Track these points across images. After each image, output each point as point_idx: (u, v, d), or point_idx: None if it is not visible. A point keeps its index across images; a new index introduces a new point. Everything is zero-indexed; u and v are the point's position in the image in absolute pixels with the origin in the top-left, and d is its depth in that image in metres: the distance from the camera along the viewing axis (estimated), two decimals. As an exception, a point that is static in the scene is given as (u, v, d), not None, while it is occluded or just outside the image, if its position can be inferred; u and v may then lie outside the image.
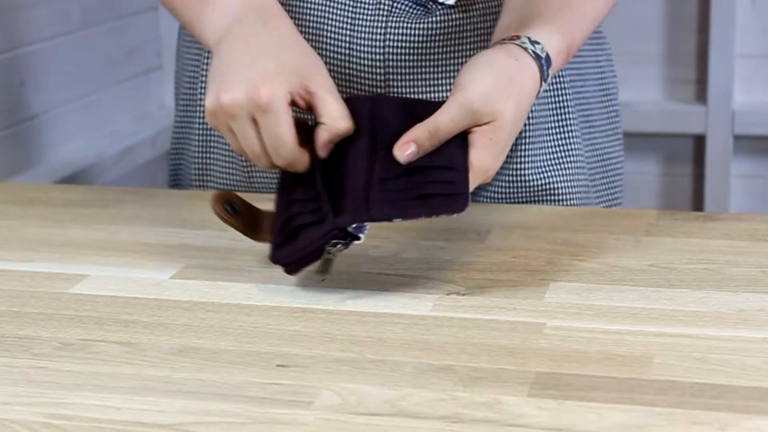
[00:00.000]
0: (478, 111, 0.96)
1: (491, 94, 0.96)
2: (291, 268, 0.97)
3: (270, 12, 1.02)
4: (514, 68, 0.99)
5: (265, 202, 1.20)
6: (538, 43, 1.01)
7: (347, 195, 0.95)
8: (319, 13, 1.18)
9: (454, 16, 1.17)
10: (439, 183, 0.95)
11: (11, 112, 1.77)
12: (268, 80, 0.94)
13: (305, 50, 1.00)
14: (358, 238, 0.94)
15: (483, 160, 0.96)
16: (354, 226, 0.94)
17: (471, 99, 0.96)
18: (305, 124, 0.99)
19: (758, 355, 0.85)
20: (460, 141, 0.96)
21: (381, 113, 0.99)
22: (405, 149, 0.96)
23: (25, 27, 1.80)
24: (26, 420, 0.78)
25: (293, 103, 0.96)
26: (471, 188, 0.95)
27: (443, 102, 0.98)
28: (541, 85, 1.01)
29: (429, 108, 0.98)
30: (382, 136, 0.98)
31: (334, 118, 0.96)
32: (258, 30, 0.99)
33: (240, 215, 1.02)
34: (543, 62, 1.00)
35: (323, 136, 0.96)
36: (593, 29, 1.11)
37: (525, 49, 1.00)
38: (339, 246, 0.95)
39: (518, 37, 1.01)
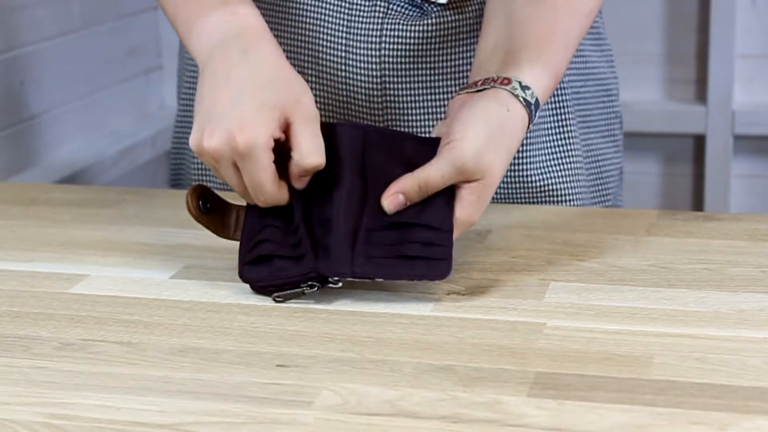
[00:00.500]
0: (469, 170, 0.96)
1: (483, 153, 0.96)
2: (259, 289, 0.98)
3: (251, 34, 1.01)
4: (505, 119, 0.99)
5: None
6: (528, 88, 1.00)
7: (332, 241, 0.95)
8: (315, 17, 1.18)
9: (449, 17, 1.17)
10: (424, 245, 0.96)
11: (11, 112, 1.77)
12: (246, 127, 0.94)
13: (287, 78, 0.98)
14: (335, 283, 0.96)
15: (469, 215, 0.97)
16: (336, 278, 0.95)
17: (464, 158, 0.96)
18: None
19: (758, 355, 0.85)
20: (447, 197, 0.97)
21: (371, 151, 0.99)
22: (393, 200, 0.97)
23: (25, 27, 1.80)
24: (26, 420, 0.78)
25: (276, 139, 0.95)
26: (453, 242, 0.96)
27: (435, 140, 0.99)
28: (529, 126, 1.01)
29: (421, 147, 0.99)
30: (372, 178, 0.98)
31: (303, 154, 0.95)
32: (237, 61, 0.98)
33: (210, 214, 1.01)
34: (532, 108, 1.01)
35: (293, 170, 0.96)
36: (577, 46, 1.10)
37: (516, 96, 1.00)
38: (315, 287, 0.96)
39: (509, 81, 1.00)
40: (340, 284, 0.96)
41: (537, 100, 1.01)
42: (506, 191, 1.22)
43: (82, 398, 0.81)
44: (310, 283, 0.95)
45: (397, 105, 1.19)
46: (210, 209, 1.01)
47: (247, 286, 0.99)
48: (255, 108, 0.95)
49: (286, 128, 0.95)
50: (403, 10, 1.17)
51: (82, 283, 1.01)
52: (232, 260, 1.05)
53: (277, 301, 0.96)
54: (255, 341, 0.89)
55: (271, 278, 0.97)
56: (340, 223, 0.96)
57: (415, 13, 1.17)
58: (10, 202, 1.25)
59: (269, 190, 0.95)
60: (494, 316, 0.93)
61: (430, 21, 1.16)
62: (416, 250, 0.95)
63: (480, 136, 0.97)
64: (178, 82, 1.35)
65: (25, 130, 1.81)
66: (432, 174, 0.96)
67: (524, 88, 1.00)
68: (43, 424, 0.77)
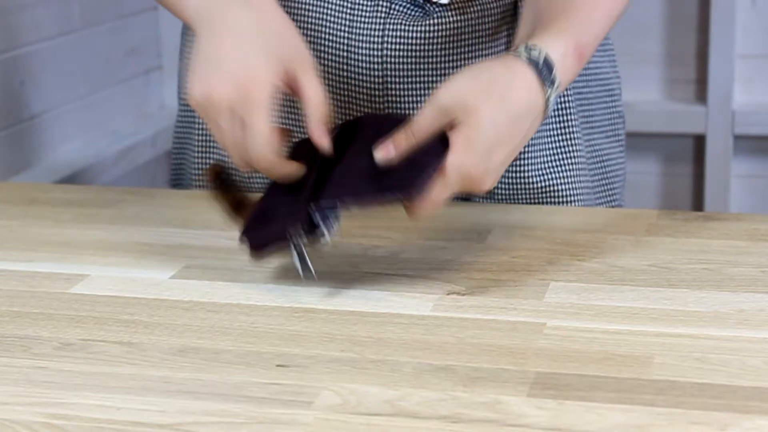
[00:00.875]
0: (448, 108, 0.95)
1: (464, 93, 0.96)
2: (255, 251, 0.98)
3: None
4: (500, 72, 0.98)
5: (265, 202, 1.21)
6: (532, 48, 0.99)
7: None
8: (317, 16, 1.18)
9: (451, 18, 1.17)
10: (401, 178, 0.95)
11: (11, 112, 1.77)
12: (253, 72, 0.94)
13: (290, 32, 0.99)
14: (323, 234, 0.95)
15: (461, 160, 0.94)
16: (319, 215, 0.94)
17: (441, 97, 0.96)
18: (305, 141, 1.00)
19: (758, 355, 0.85)
20: (439, 155, 0.95)
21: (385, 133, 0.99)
22: (383, 148, 0.96)
23: (25, 27, 1.80)
24: (26, 420, 0.78)
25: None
26: (452, 192, 0.95)
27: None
28: (544, 89, 0.98)
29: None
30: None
31: (317, 103, 0.96)
32: (239, 12, 0.98)
33: (230, 193, 1.02)
34: (540, 66, 0.98)
35: (310, 125, 0.96)
36: (606, 28, 1.08)
37: (518, 56, 0.99)
38: (304, 238, 0.95)
39: (515, 48, 1.00)
40: (327, 235, 0.95)
41: (547, 58, 0.98)
42: (508, 192, 1.22)
43: (82, 398, 0.81)
44: (299, 231, 0.95)
45: (399, 104, 1.19)
46: (230, 187, 1.02)
47: (247, 286, 0.99)
48: (260, 56, 0.95)
49: (289, 83, 0.96)
50: (405, 10, 1.17)
51: (82, 283, 1.01)
52: (233, 260, 1.05)
53: (309, 278, 0.97)
54: (255, 341, 0.89)
55: (263, 238, 0.97)
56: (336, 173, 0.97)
57: (417, 13, 1.17)
58: (10, 202, 1.25)
59: (266, 140, 0.94)
60: (494, 316, 0.93)
61: (432, 21, 1.16)
62: (390, 180, 0.95)
63: (462, 80, 0.97)
64: (178, 83, 1.35)
65: (25, 130, 1.81)
66: (417, 119, 0.96)
67: (528, 49, 0.99)
68: (43, 424, 0.77)
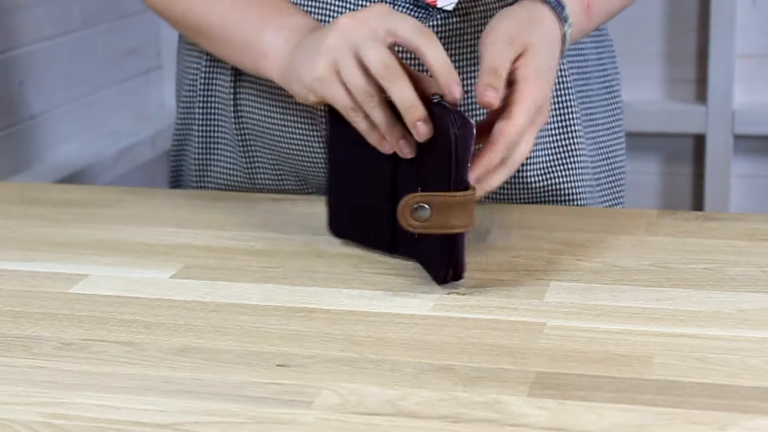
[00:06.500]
0: (512, 38, 1.00)
1: (517, 28, 1.01)
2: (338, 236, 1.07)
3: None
4: (529, 9, 1.05)
5: (268, 202, 1.21)
6: None
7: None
8: (320, 17, 1.17)
9: (453, 20, 1.17)
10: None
11: (11, 112, 1.77)
12: (357, 18, 1.01)
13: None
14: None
15: (533, 90, 0.99)
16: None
17: (501, 31, 1.00)
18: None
19: (758, 355, 0.85)
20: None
21: None
22: (483, 94, 0.97)
23: (25, 27, 1.80)
24: (26, 420, 0.78)
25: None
26: (534, 126, 1.00)
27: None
28: (562, 27, 1.06)
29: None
30: None
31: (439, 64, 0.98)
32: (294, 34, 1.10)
33: (430, 219, 0.96)
34: (553, 3, 1.06)
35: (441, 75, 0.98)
36: (617, 6, 1.18)
37: None
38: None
39: None
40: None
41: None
42: (509, 192, 1.22)
43: (82, 398, 0.81)
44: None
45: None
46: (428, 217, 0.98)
47: (247, 286, 0.99)
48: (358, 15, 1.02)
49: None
50: (407, 12, 1.17)
51: (82, 283, 1.01)
52: (233, 260, 1.05)
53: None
54: (255, 341, 0.89)
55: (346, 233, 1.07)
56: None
57: (419, 15, 1.17)
58: (10, 202, 1.25)
59: (397, 66, 0.98)
60: (494, 316, 0.93)
61: (434, 23, 1.16)
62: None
63: (506, 20, 1.03)
64: (177, 84, 1.35)
65: (25, 130, 1.81)
66: (489, 59, 0.99)
67: None
68: (43, 424, 0.77)
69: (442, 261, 0.97)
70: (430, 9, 1.17)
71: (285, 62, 1.09)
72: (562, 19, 1.07)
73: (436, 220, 0.95)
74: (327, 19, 1.17)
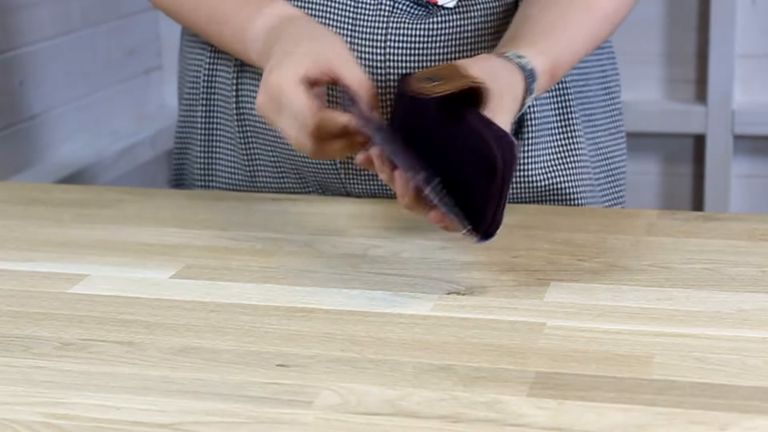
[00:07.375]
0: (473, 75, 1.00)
1: (490, 75, 1.00)
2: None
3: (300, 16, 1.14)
4: (504, 68, 1.03)
5: (268, 202, 1.21)
6: (522, 57, 1.05)
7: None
8: (319, 15, 1.18)
9: (454, 18, 1.17)
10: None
11: (11, 112, 1.77)
12: (275, 69, 1.02)
13: (323, 36, 1.08)
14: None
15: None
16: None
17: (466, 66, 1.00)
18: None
19: (758, 355, 0.85)
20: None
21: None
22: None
23: (25, 27, 1.80)
24: (26, 420, 0.78)
25: (314, 82, 1.02)
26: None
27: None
28: (525, 96, 1.05)
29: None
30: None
31: (361, 84, 1.02)
32: (287, 37, 1.09)
33: (442, 81, 0.98)
34: (528, 74, 1.05)
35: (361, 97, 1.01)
36: (589, 48, 1.16)
37: (510, 59, 1.05)
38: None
39: (505, 53, 1.06)
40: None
41: (533, 69, 1.05)
42: (510, 191, 1.21)
43: (82, 398, 0.81)
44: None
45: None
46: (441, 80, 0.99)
47: (247, 286, 0.99)
48: (288, 57, 1.04)
49: (326, 73, 1.02)
50: (408, 10, 1.17)
51: (82, 283, 1.01)
52: (233, 260, 1.05)
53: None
54: (255, 341, 0.89)
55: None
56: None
57: (420, 13, 1.17)
58: (10, 202, 1.25)
59: (307, 108, 1.00)
60: (494, 316, 0.93)
61: (435, 21, 1.16)
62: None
63: (482, 62, 1.02)
64: (179, 83, 1.35)
65: (25, 130, 1.81)
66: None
67: (519, 56, 1.05)
68: (43, 424, 0.77)
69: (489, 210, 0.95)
70: (431, 7, 1.17)
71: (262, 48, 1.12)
72: (530, 90, 1.05)
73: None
74: (329, 17, 1.17)
